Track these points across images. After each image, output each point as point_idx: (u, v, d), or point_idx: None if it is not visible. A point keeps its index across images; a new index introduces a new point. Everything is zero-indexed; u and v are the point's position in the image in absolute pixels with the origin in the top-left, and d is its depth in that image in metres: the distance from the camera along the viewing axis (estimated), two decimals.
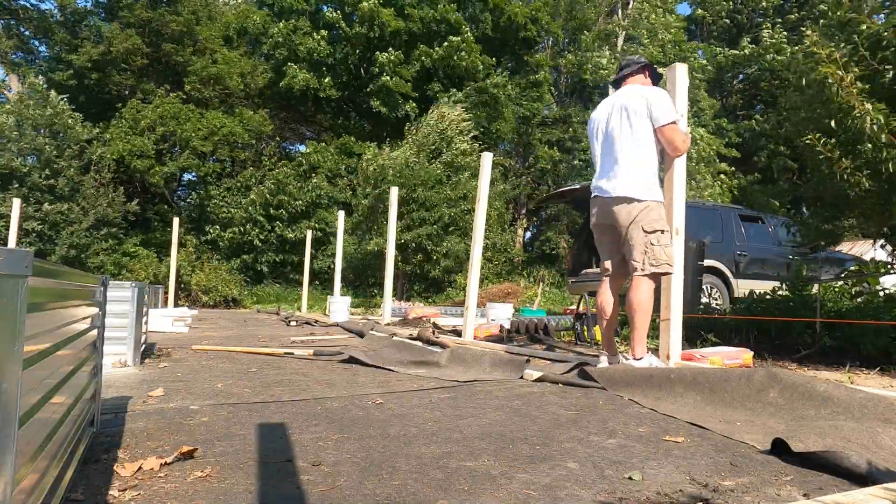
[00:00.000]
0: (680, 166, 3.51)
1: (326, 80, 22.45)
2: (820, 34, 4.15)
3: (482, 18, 23.53)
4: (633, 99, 3.34)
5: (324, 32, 22.55)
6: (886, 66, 3.84)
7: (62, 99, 17.56)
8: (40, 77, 18.56)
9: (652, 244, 3.20)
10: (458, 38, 21.86)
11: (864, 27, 3.92)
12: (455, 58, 22.03)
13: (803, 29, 4.26)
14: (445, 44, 22.04)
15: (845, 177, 3.87)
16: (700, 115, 21.77)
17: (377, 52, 21.98)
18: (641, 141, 3.28)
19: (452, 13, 22.48)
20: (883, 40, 3.88)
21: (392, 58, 21.65)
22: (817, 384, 2.29)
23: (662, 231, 3.23)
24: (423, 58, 22.22)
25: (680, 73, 3.58)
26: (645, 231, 3.21)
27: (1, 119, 16.21)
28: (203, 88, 21.25)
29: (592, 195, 3.52)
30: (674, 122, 3.28)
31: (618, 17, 24.78)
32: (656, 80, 3.61)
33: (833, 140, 3.97)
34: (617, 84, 3.69)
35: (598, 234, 3.58)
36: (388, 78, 21.58)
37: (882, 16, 4.22)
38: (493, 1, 23.33)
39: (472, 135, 19.44)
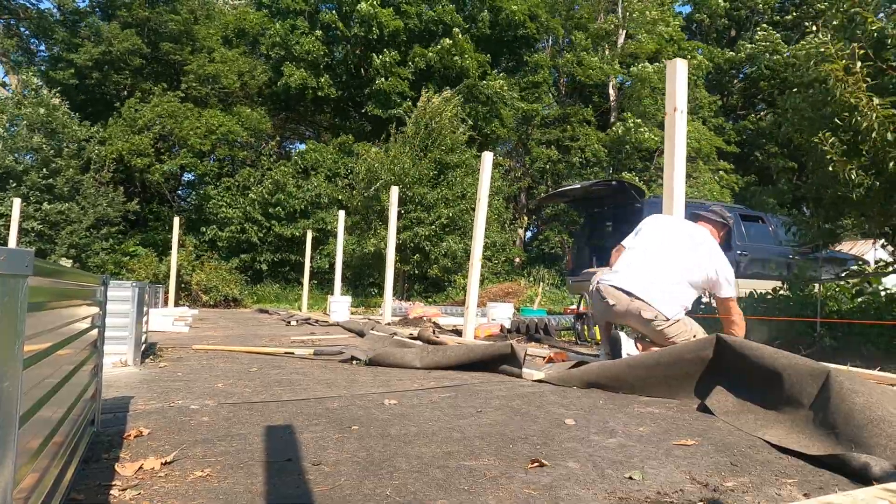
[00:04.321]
0: (679, 163, 3.52)
1: (323, 78, 22.46)
2: (823, 32, 4.15)
3: (479, 17, 23.51)
4: (707, 249, 3.48)
5: (319, 33, 22.56)
6: (891, 65, 3.84)
7: (55, 94, 17.51)
8: (36, 76, 18.52)
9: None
10: (450, 42, 21.86)
11: (870, 23, 3.91)
12: (449, 59, 22.04)
13: (807, 25, 4.26)
14: (439, 46, 22.05)
15: (850, 176, 3.87)
16: (698, 112, 21.78)
17: (373, 54, 21.97)
18: (689, 283, 3.42)
19: (451, 14, 22.46)
20: (887, 38, 3.88)
21: (388, 59, 21.65)
22: (765, 351, 2.33)
23: (684, 333, 3.33)
24: (417, 59, 22.24)
25: (680, 70, 3.59)
26: (668, 340, 3.30)
27: None
28: (200, 87, 21.25)
29: (610, 284, 3.47)
30: (733, 298, 3.51)
31: (616, 15, 24.76)
32: (726, 240, 3.79)
33: (836, 138, 3.96)
34: (694, 215, 3.86)
35: (602, 313, 3.60)
36: (383, 80, 21.58)
37: (883, 15, 4.21)
38: (492, 1, 23.32)
39: (465, 125, 19.27)
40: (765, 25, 23.09)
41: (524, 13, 23.37)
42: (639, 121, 20.72)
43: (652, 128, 20.60)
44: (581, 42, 24.21)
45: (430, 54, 22.13)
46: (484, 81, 22.28)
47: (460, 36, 21.99)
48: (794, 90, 4.75)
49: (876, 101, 3.66)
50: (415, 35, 22.88)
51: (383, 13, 21.59)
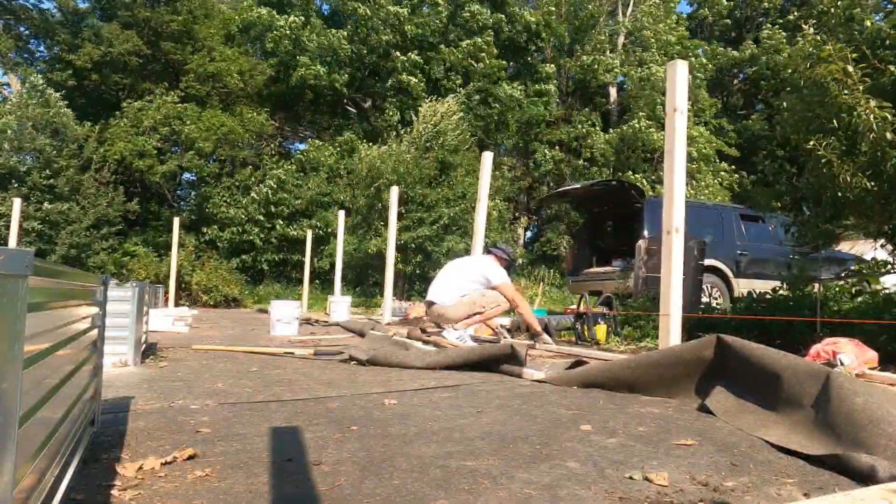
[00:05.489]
0: (679, 163, 3.52)
1: (335, 75, 22.36)
2: (820, 32, 4.15)
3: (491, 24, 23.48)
4: (481, 262, 5.34)
5: (328, 31, 22.49)
6: (888, 65, 3.84)
7: (59, 97, 17.55)
8: (38, 77, 18.54)
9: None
10: (481, 40, 21.78)
11: (868, 24, 3.91)
12: (473, 59, 21.98)
13: (805, 26, 4.25)
14: (465, 42, 21.95)
15: (847, 179, 3.86)
16: (700, 115, 21.75)
17: (396, 52, 21.87)
18: (470, 280, 5.18)
19: (479, 15, 22.37)
20: (884, 37, 3.88)
21: (410, 59, 21.59)
22: (766, 352, 2.32)
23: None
24: (433, 62, 22.18)
25: (680, 71, 3.60)
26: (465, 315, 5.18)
27: (2, 119, 16.19)
28: (201, 86, 21.22)
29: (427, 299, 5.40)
30: (503, 285, 5.05)
31: (619, 17, 24.73)
32: (507, 268, 5.34)
33: (832, 140, 3.96)
34: (486, 249, 5.72)
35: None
36: (406, 77, 21.47)
37: (881, 15, 4.21)
38: (510, 8, 23.25)
39: (462, 128, 19.31)
40: (769, 25, 23.08)
41: (538, 23, 23.29)
42: (649, 122, 20.70)
43: (658, 128, 20.62)
44: (587, 42, 24.15)
45: (453, 54, 22.03)
46: (497, 86, 22.23)
47: (490, 37, 21.97)
48: (790, 90, 4.75)
49: (872, 102, 3.66)
50: (425, 38, 22.85)
51: (395, 11, 21.58)
